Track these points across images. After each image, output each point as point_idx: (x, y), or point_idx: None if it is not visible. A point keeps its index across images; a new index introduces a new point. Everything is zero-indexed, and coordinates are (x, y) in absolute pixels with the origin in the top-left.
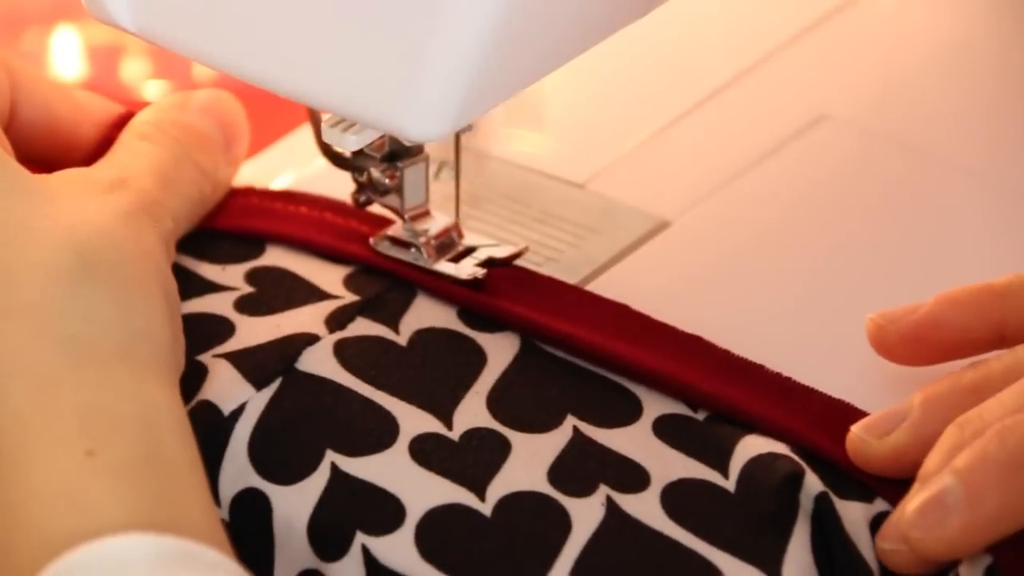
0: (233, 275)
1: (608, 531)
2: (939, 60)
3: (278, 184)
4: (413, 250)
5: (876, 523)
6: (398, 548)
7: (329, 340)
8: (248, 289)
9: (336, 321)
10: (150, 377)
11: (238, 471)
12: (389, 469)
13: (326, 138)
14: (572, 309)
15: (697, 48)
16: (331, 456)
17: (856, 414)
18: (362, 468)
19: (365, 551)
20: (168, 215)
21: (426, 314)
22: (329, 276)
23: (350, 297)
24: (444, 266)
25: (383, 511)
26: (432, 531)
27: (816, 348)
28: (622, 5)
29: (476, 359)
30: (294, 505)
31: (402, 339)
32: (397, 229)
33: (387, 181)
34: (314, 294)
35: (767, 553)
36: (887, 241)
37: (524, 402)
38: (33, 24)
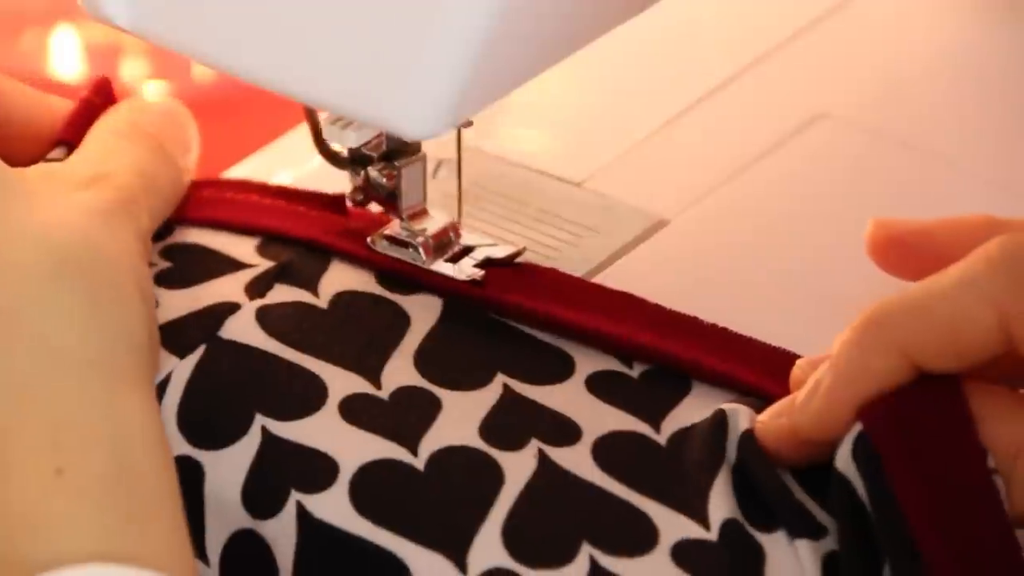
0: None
1: (540, 483)
2: (937, 59)
3: (276, 183)
4: (411, 249)
5: None
6: (332, 504)
7: (251, 307)
8: (165, 264)
9: (255, 289)
10: (125, 385)
11: (169, 442)
12: (320, 430)
13: (324, 136)
14: (502, 279)
15: (695, 46)
16: (261, 420)
17: (792, 358)
18: (293, 430)
19: (299, 507)
20: (145, 212)
21: (343, 277)
22: (241, 246)
23: (265, 264)
24: (441, 266)
25: (316, 469)
26: (366, 486)
27: (814, 347)
28: (618, 2)
29: (400, 320)
30: (226, 469)
31: (322, 302)
32: (395, 228)
33: (385, 180)
34: (230, 264)
35: (693, 498)
36: None
37: (452, 361)
38: (32, 24)
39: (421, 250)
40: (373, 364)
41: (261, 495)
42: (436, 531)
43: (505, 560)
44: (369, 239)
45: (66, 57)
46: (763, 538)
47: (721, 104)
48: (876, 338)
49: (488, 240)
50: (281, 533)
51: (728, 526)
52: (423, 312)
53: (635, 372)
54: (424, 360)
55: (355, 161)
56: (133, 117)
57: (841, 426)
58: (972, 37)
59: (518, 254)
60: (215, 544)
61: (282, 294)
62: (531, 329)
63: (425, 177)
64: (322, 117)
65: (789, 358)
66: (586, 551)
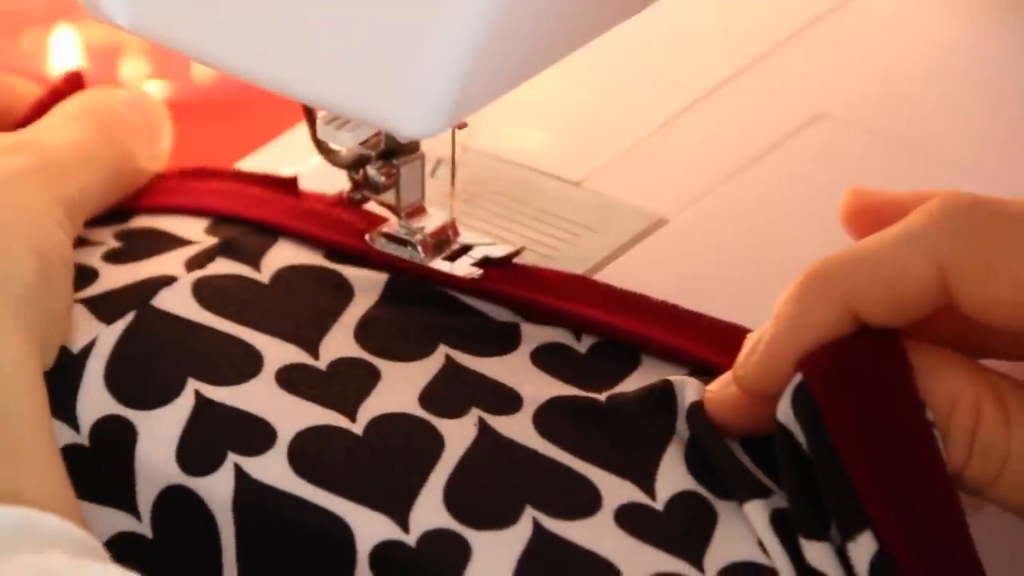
0: (102, 234)
1: (481, 449)
2: (937, 58)
3: None
4: (409, 247)
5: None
6: (271, 467)
7: (187, 279)
8: (116, 244)
9: (196, 263)
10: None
11: (96, 401)
12: (256, 396)
13: (321, 135)
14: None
15: (694, 46)
16: (194, 384)
17: (743, 333)
18: (228, 396)
19: (237, 468)
20: (75, 182)
21: (288, 254)
22: (191, 227)
23: (210, 241)
24: (440, 264)
25: (253, 434)
26: (304, 450)
27: None
28: (617, 2)
29: (342, 293)
30: (159, 429)
31: (263, 277)
32: (393, 226)
33: (383, 178)
34: (176, 242)
35: (640, 467)
36: None
37: (393, 333)
38: (32, 24)
39: (420, 248)
40: (312, 336)
41: (196, 455)
42: (377, 492)
43: (448, 522)
44: (367, 236)
45: (66, 57)
46: (718, 504)
47: (720, 104)
48: (819, 290)
49: (487, 239)
50: (217, 491)
51: (679, 499)
52: (367, 286)
53: (582, 346)
54: (365, 332)
55: (354, 159)
56: (89, 102)
57: (782, 378)
58: (972, 37)
59: (516, 253)
60: (146, 499)
61: (222, 267)
62: (477, 302)
63: (424, 176)
64: (318, 117)
65: (741, 332)
66: (529, 513)
